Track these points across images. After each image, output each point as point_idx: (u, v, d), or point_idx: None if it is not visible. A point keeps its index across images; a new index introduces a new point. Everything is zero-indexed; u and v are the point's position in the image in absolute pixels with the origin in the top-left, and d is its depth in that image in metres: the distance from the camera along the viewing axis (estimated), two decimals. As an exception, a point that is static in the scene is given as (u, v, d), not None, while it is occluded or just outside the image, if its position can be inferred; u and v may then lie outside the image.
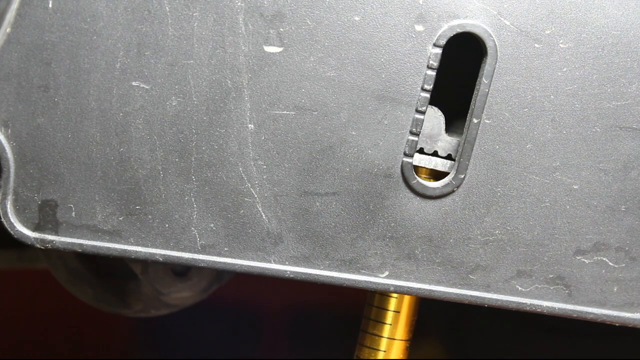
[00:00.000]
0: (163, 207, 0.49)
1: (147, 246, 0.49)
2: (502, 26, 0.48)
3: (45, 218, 0.48)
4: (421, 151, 0.51)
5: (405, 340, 0.57)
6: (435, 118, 0.50)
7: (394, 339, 0.57)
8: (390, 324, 0.57)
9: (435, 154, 0.51)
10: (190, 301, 0.73)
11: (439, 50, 0.48)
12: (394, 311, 0.57)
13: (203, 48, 0.47)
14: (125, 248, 0.49)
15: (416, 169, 0.50)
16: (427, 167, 0.51)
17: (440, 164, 0.51)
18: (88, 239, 0.49)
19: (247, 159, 0.49)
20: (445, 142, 0.51)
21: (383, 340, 0.57)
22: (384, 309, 0.57)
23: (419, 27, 0.48)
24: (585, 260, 0.52)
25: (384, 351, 0.57)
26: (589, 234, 0.51)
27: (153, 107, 0.48)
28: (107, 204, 0.48)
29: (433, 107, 0.50)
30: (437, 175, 0.51)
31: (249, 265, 0.50)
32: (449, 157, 0.51)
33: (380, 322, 0.57)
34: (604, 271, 0.52)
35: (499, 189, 0.50)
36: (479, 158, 0.50)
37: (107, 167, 0.48)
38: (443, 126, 0.50)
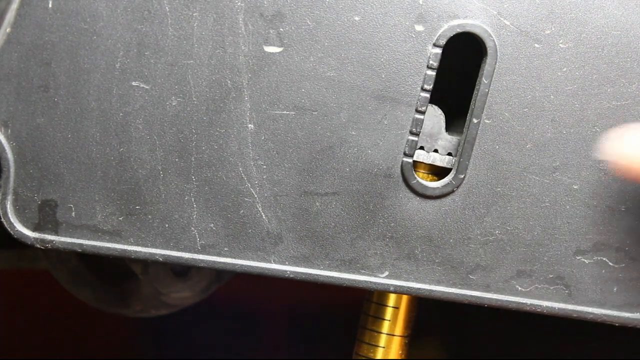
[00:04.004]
0: (163, 207, 0.49)
1: (147, 246, 0.49)
2: (502, 26, 0.48)
3: (45, 218, 0.48)
4: (421, 150, 0.51)
5: (404, 336, 0.57)
6: (435, 117, 0.50)
7: (394, 335, 0.57)
8: (390, 320, 0.57)
9: (435, 152, 0.51)
10: (190, 301, 0.73)
11: (439, 50, 0.48)
12: (393, 307, 0.57)
13: (203, 48, 0.47)
14: (125, 248, 0.49)
15: (415, 164, 0.51)
16: (425, 162, 0.51)
17: (438, 159, 0.51)
18: (88, 239, 0.49)
19: (247, 159, 0.49)
20: (446, 141, 0.51)
21: (382, 337, 0.57)
22: (383, 304, 0.57)
23: (419, 27, 0.48)
24: (585, 260, 0.52)
25: (384, 347, 0.57)
26: (589, 234, 0.51)
27: (153, 107, 0.48)
28: (107, 204, 0.48)
29: (433, 105, 0.50)
30: (436, 172, 0.51)
31: (249, 265, 0.50)
32: (449, 155, 0.51)
33: (380, 318, 0.57)
34: (604, 271, 0.52)
35: (499, 189, 0.50)
36: (479, 158, 0.50)
37: (107, 167, 0.48)
38: (443, 125, 0.50)
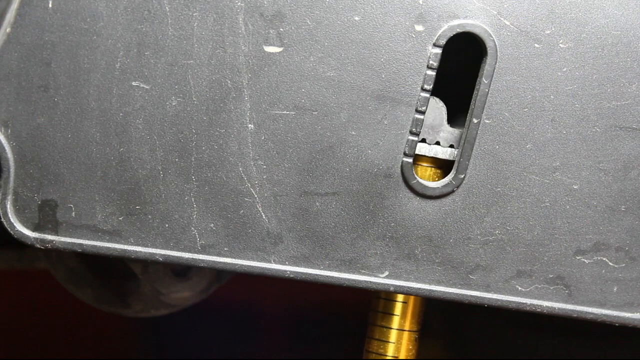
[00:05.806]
0: (163, 207, 0.49)
1: (147, 246, 0.49)
2: (502, 26, 0.48)
3: (45, 218, 0.48)
4: (423, 142, 0.50)
5: (414, 331, 0.57)
6: (437, 109, 0.50)
7: (404, 330, 0.57)
8: (399, 315, 0.57)
9: (437, 145, 0.51)
10: (190, 301, 0.73)
11: (439, 50, 0.48)
12: (402, 302, 0.57)
13: (203, 48, 0.47)
14: (125, 248, 0.49)
15: (417, 157, 0.50)
16: (427, 155, 0.50)
17: (440, 152, 0.51)
18: (88, 239, 0.49)
19: (247, 159, 0.49)
20: (448, 133, 0.51)
21: (392, 332, 0.57)
22: (391, 300, 0.57)
23: (419, 27, 0.48)
24: (585, 260, 0.52)
25: (394, 343, 0.57)
26: (589, 234, 0.51)
27: (153, 107, 0.48)
28: (107, 204, 0.48)
29: (434, 97, 0.50)
30: (439, 165, 0.51)
31: (249, 265, 0.50)
32: (451, 148, 0.51)
33: (389, 313, 0.57)
34: (604, 271, 0.52)
35: (499, 189, 0.50)
36: (479, 158, 0.50)
37: (107, 167, 0.48)
38: (445, 117, 0.50)
